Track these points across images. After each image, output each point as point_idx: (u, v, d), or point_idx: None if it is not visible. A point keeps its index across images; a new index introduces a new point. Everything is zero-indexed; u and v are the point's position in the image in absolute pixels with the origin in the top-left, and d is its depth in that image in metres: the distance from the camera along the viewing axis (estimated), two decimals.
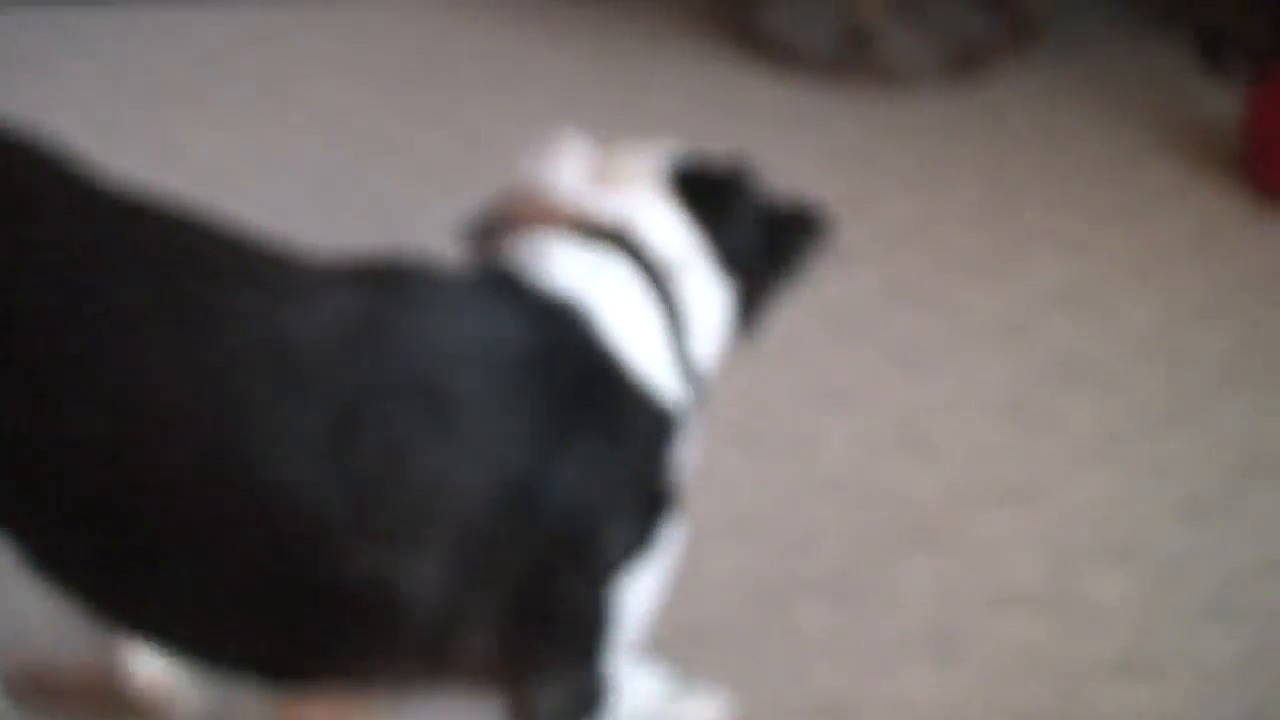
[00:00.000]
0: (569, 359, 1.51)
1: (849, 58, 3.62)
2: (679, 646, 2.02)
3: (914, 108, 3.49)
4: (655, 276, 1.57)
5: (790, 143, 3.33)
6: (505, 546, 1.48)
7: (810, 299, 2.76)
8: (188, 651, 1.55)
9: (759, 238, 1.68)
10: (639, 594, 1.57)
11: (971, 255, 2.91)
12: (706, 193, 1.65)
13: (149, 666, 1.92)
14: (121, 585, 1.50)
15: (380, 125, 3.34)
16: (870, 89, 3.57)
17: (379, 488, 1.43)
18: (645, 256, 1.57)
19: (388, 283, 1.51)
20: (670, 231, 1.60)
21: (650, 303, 1.57)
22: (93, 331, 1.42)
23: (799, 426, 2.48)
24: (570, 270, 1.53)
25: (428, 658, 1.53)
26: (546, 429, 1.47)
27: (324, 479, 1.41)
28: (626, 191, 1.61)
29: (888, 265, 2.88)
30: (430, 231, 2.61)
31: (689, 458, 1.68)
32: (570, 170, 1.64)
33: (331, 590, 1.46)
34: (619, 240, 1.57)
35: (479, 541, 1.47)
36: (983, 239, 2.97)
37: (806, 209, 1.75)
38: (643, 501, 1.56)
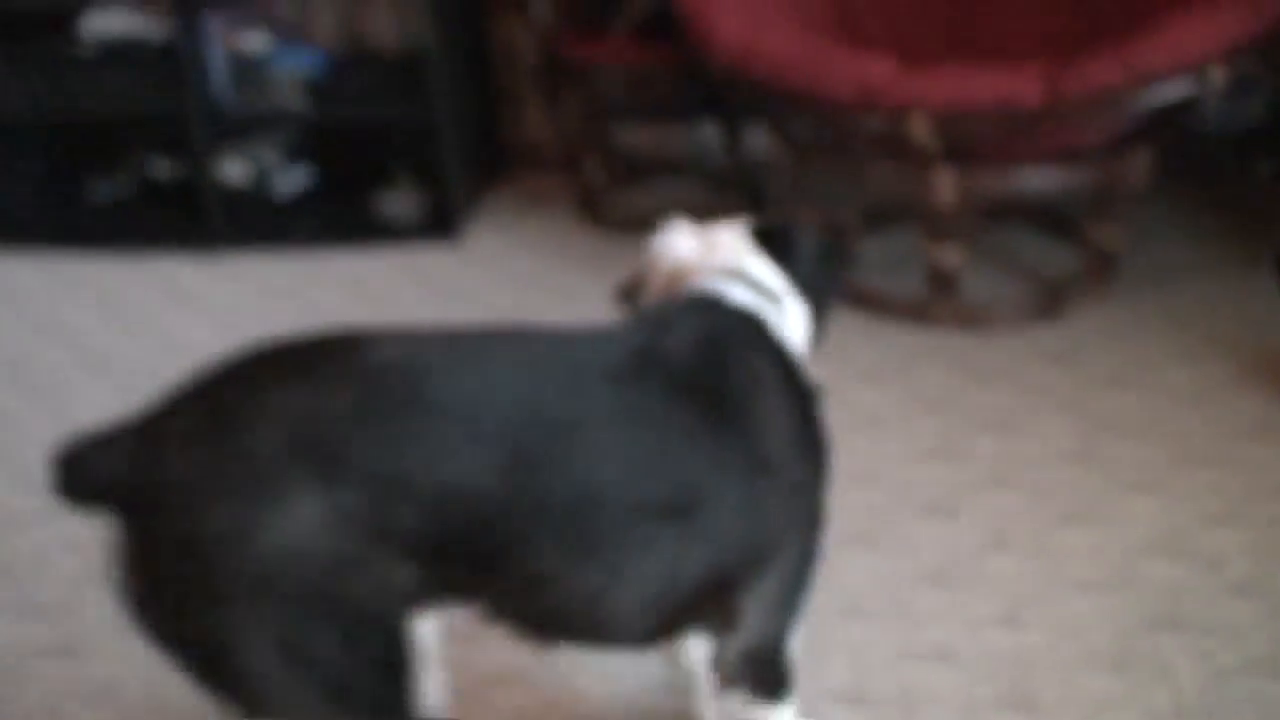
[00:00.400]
0: (766, 343, 2.03)
1: (933, 301, 3.70)
2: None
3: (999, 348, 3.56)
4: (772, 301, 2.09)
5: (879, 389, 3.40)
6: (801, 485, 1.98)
7: (910, 549, 2.81)
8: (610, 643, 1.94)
9: (817, 269, 2.20)
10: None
11: (1065, 499, 2.94)
12: (778, 242, 2.17)
13: None
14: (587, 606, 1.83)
15: None
16: (955, 331, 3.64)
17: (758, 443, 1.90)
18: (764, 289, 2.08)
19: (658, 317, 2.01)
20: (768, 272, 2.12)
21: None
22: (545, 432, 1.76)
23: (904, 684, 2.49)
24: (738, 294, 2.05)
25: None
26: (788, 383, 2.00)
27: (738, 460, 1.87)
28: (731, 249, 2.14)
29: (983, 512, 2.91)
30: None
31: None
32: (686, 242, 2.19)
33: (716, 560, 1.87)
34: (746, 279, 2.08)
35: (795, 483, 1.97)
36: (1075, 482, 3.00)
37: (834, 240, 2.29)
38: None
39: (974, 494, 2.98)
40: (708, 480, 1.84)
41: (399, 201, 4.63)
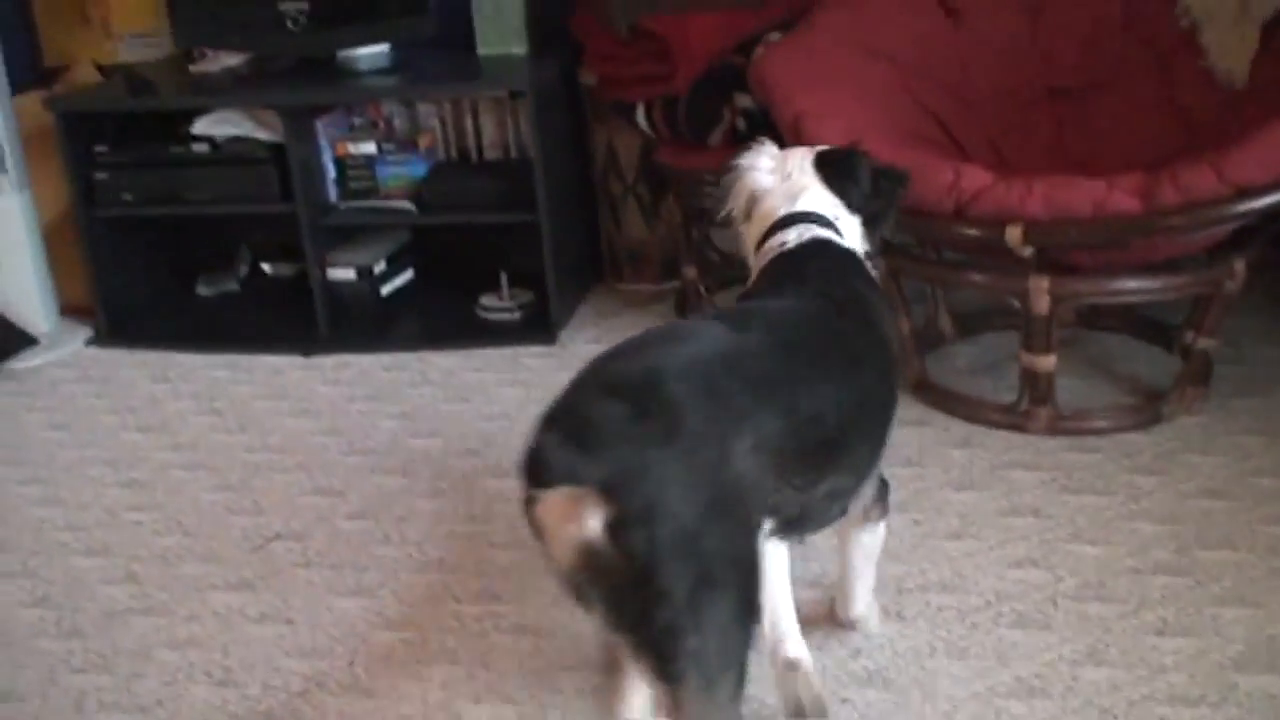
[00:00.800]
0: (862, 268, 2.67)
1: (1027, 407, 3.70)
2: None
3: (1093, 454, 3.55)
4: (832, 226, 2.68)
5: (972, 495, 3.39)
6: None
7: (1002, 659, 2.79)
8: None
9: (870, 189, 2.75)
10: None
11: (1161, 610, 2.90)
12: (836, 166, 2.75)
13: None
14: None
15: None
16: (1049, 437, 3.63)
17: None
18: (828, 220, 2.68)
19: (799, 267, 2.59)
20: (826, 200, 2.71)
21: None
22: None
23: None
24: (817, 232, 2.65)
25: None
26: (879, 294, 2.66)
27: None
28: (800, 175, 2.73)
29: (1077, 622, 2.88)
30: None
31: None
32: (765, 161, 2.78)
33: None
34: (817, 218, 2.66)
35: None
36: (1171, 592, 2.96)
37: (893, 167, 2.83)
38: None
39: (1068, 603, 2.96)
40: (894, 385, 2.54)
41: (500, 303, 4.71)
